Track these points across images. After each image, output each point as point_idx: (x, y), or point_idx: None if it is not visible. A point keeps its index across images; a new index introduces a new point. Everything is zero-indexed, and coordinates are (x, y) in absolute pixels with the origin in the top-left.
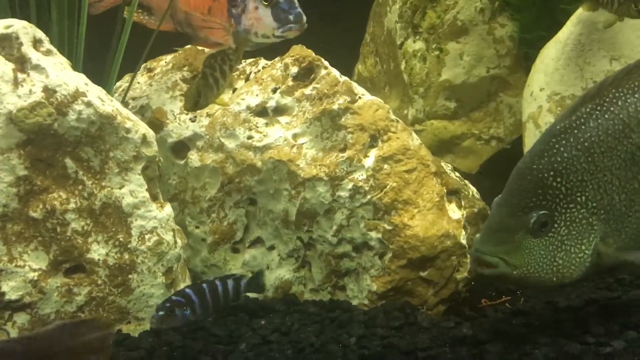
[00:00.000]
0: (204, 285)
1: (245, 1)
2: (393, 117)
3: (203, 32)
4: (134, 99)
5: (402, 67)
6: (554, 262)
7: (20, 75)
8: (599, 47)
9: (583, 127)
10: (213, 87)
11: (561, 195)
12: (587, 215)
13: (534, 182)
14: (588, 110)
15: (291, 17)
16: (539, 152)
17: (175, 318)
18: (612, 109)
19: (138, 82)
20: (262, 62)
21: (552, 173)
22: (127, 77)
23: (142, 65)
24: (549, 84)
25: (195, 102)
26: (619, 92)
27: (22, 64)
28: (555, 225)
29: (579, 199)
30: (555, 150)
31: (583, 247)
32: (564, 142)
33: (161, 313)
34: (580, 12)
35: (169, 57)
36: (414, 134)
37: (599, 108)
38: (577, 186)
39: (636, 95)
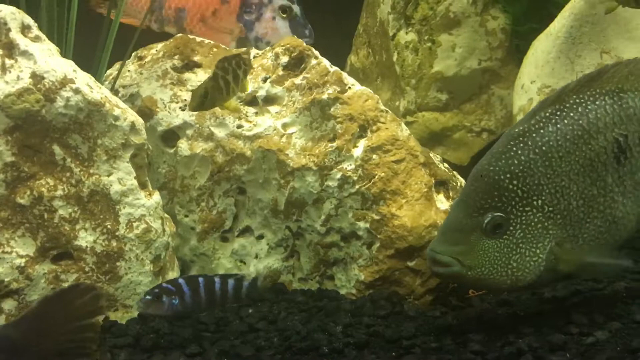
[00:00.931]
0: (200, 278)
1: (261, 9)
2: (382, 107)
3: (201, 32)
4: (124, 87)
5: (394, 58)
6: (509, 264)
7: (7, 61)
8: (589, 40)
9: (542, 131)
10: (222, 90)
11: (517, 198)
12: (543, 220)
13: (490, 184)
14: (547, 114)
15: (307, 32)
16: (497, 154)
17: (162, 305)
18: (572, 114)
19: (128, 70)
20: (253, 51)
21: (508, 175)
22: (117, 65)
23: (133, 54)
24: (539, 77)
25: (201, 102)
26: (580, 98)
27: (10, 49)
28: (511, 228)
29: (535, 202)
30: (512, 153)
31: (538, 251)
32: (521, 145)
33: (148, 298)
34: (572, 5)
35: (159, 46)
36: (403, 125)
37: (558, 113)
38: (533, 190)
39: (597, 103)
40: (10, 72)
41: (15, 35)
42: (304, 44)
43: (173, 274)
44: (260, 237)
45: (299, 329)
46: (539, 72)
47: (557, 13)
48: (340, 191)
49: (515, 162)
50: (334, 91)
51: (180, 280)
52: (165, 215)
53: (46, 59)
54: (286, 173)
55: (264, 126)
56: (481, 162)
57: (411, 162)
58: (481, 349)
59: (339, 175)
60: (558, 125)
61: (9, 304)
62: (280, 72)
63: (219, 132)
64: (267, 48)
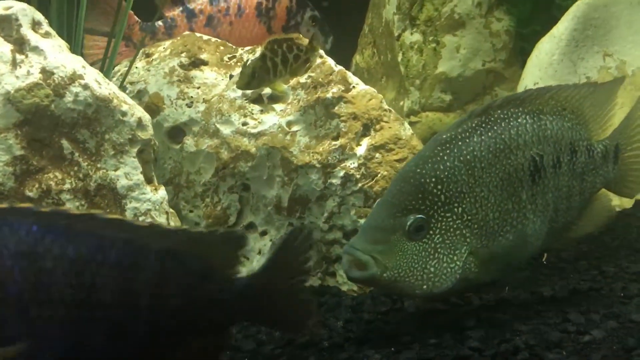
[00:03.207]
0: None
1: (298, 28)
2: (386, 106)
3: None
4: (131, 83)
5: (399, 58)
6: (426, 268)
7: (18, 56)
8: (592, 43)
9: (467, 140)
10: (270, 71)
11: (440, 202)
12: (462, 227)
13: (415, 186)
14: (474, 125)
15: (327, 29)
16: (424, 157)
17: None
18: (495, 128)
19: (136, 67)
20: (259, 49)
21: (433, 180)
22: (125, 62)
23: (141, 51)
24: (542, 79)
25: (248, 81)
26: (504, 114)
27: (20, 45)
28: (431, 232)
29: (455, 209)
30: (439, 158)
31: (455, 258)
32: (448, 151)
33: None
34: (575, 8)
35: (167, 43)
36: (406, 124)
37: (484, 125)
38: (455, 196)
39: (519, 120)
40: (20, 67)
41: (26, 31)
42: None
43: None
44: (264, 233)
45: None
46: (542, 74)
47: (561, 16)
48: (343, 189)
49: (441, 167)
50: (338, 90)
51: None
52: (171, 210)
53: (56, 54)
54: (290, 170)
55: (269, 124)
56: (409, 164)
57: None
58: (479, 345)
59: (342, 173)
60: (482, 137)
61: None
62: None
63: (225, 129)
64: None
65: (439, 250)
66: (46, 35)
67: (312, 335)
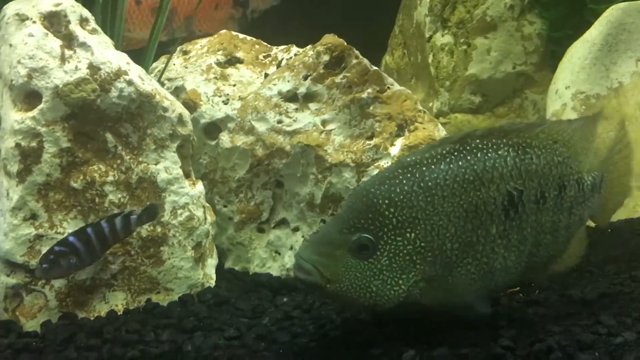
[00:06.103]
0: (88, 229)
1: None
2: (420, 107)
3: (209, 27)
4: (169, 79)
5: (430, 60)
6: (369, 288)
7: (67, 52)
8: (625, 48)
9: (432, 166)
10: None
11: (390, 225)
12: (412, 253)
13: (367, 205)
14: (444, 152)
15: None
16: (382, 178)
17: (60, 268)
18: (468, 157)
19: (174, 64)
20: (294, 49)
21: (387, 201)
22: (163, 59)
23: (178, 48)
24: (574, 83)
25: None
26: (483, 144)
27: (69, 41)
28: (378, 253)
29: (407, 234)
30: (397, 181)
31: (400, 282)
32: (408, 175)
33: (45, 266)
34: (609, 13)
35: (204, 41)
36: (439, 125)
37: (455, 153)
38: (409, 221)
39: (499, 152)
40: (69, 62)
41: (75, 27)
42: (345, 44)
43: (212, 260)
44: (296, 229)
45: (333, 317)
46: (574, 78)
47: (594, 20)
48: None
49: (397, 190)
50: (373, 90)
51: (71, 239)
52: (207, 204)
53: (102, 51)
54: (324, 168)
55: (304, 122)
56: (366, 182)
57: None
58: (511, 344)
59: (375, 172)
60: (451, 165)
61: (59, 282)
62: (321, 70)
63: (260, 127)
64: (309, 46)
65: (384, 272)
66: (93, 31)
67: None
